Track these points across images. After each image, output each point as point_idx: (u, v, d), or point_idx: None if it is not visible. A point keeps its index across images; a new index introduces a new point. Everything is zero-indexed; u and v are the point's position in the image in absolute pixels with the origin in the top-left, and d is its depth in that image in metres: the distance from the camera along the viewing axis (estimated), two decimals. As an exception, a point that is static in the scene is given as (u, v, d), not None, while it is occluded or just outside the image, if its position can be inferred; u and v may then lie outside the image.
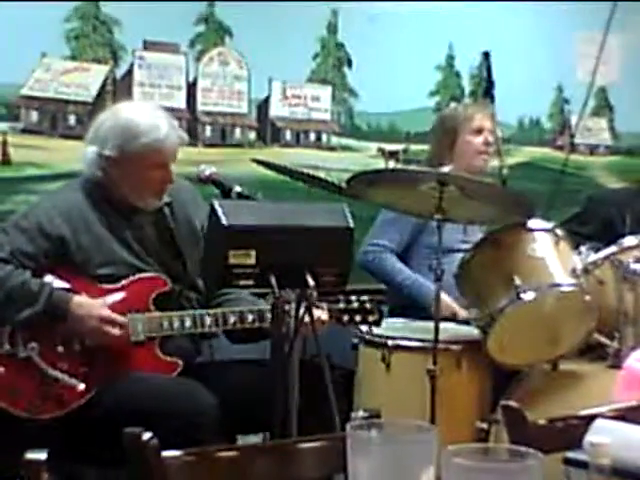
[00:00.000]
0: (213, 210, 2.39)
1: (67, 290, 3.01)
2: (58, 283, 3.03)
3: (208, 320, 3.07)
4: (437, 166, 3.91)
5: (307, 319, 2.55)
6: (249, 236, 2.38)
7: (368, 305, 3.22)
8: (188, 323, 3.06)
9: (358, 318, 3.21)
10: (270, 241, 2.40)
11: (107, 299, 3.04)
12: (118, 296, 3.07)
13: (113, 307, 3.03)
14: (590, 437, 1.39)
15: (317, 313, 3.09)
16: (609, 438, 1.36)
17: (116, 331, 3.00)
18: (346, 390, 3.49)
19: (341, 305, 3.19)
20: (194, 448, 1.66)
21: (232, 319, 3.08)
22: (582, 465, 1.40)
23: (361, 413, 1.85)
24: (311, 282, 2.39)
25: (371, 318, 3.22)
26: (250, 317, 3.07)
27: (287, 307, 2.44)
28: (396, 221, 3.90)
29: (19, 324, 2.97)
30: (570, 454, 1.42)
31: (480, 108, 4.13)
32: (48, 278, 3.01)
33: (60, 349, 3.02)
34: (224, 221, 2.36)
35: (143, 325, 3.05)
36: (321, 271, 2.45)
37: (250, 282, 2.38)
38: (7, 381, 2.97)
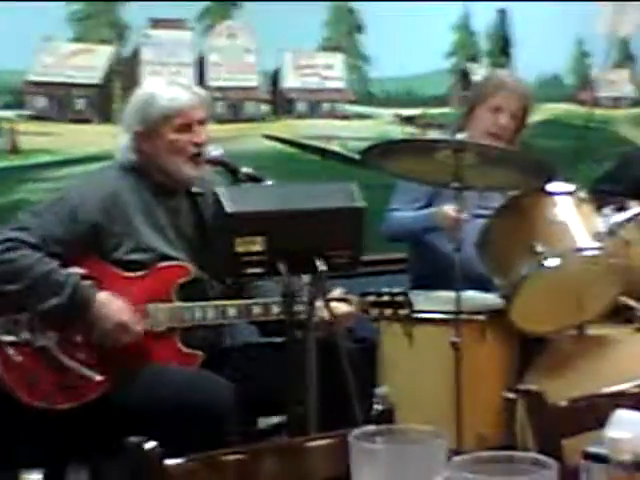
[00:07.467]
0: (217, 198, 2.33)
1: (90, 278, 2.96)
2: (82, 270, 2.97)
3: (232, 311, 3.01)
4: (457, 131, 3.80)
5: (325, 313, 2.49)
6: (255, 222, 2.32)
7: (399, 298, 3.12)
8: (211, 314, 3.00)
9: (388, 312, 3.13)
10: (277, 226, 2.34)
11: (129, 288, 2.99)
12: (141, 285, 3.02)
13: (135, 296, 2.98)
14: (610, 431, 1.32)
15: (343, 308, 3.03)
16: (630, 432, 1.30)
17: (127, 338, 2.95)
18: (371, 363, 3.42)
19: (371, 298, 3.12)
20: (207, 445, 1.62)
21: (256, 310, 3.01)
22: (602, 460, 1.33)
23: (375, 406, 1.79)
24: (322, 267, 2.32)
25: (402, 312, 3.13)
26: (275, 309, 2.99)
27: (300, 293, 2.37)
28: (410, 189, 3.77)
29: (41, 314, 2.93)
30: (590, 448, 1.35)
31: (511, 87, 3.81)
32: (74, 269, 2.96)
33: (78, 339, 2.98)
34: (228, 208, 2.30)
35: (164, 315, 3.00)
36: (332, 254, 2.39)
37: (259, 270, 2.32)
38: (25, 370, 2.94)
